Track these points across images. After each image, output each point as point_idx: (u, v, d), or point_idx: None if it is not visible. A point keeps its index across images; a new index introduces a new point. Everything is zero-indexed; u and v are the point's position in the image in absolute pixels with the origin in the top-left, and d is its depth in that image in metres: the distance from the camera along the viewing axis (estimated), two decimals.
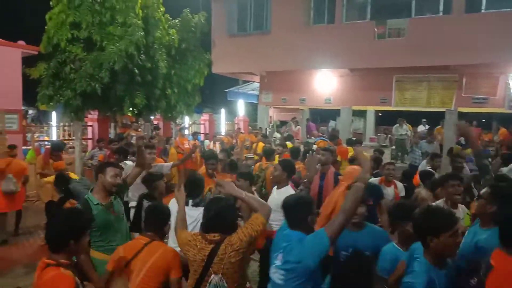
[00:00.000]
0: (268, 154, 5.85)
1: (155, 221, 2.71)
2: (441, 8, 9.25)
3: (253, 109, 18.16)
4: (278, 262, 2.34)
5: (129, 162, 5.13)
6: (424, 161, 6.62)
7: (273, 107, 14.57)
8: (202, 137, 13.36)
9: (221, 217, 2.36)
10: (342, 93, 10.87)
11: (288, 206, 2.47)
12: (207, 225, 2.39)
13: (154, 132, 10.83)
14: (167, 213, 2.79)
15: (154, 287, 2.47)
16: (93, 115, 11.22)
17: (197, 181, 3.55)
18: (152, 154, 4.72)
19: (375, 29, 9.54)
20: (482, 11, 8.83)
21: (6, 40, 8.02)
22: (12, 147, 6.32)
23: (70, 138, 10.97)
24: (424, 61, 9.08)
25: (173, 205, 3.15)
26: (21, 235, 6.05)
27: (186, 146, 9.73)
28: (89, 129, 11.49)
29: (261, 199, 2.66)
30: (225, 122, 17.15)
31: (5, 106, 7.56)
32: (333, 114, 15.29)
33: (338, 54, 9.91)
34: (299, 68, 10.82)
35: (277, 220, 3.53)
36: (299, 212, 2.40)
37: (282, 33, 10.61)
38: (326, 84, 11.03)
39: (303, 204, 2.44)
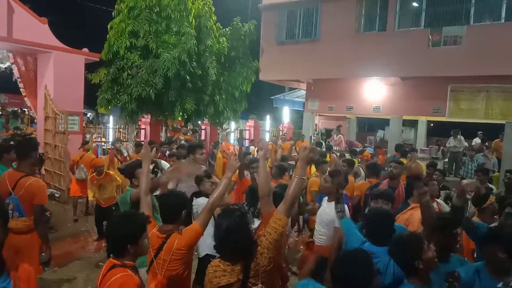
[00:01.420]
0: (315, 163, 5.81)
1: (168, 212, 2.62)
2: (503, 14, 8.75)
3: (298, 116, 18.13)
4: None
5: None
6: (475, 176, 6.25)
7: (319, 115, 14.45)
8: (247, 142, 13.55)
9: (233, 240, 2.13)
10: (393, 102, 10.56)
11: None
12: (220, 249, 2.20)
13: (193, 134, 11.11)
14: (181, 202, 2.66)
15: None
16: (146, 118, 11.80)
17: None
18: (202, 155, 4.85)
19: (430, 37, 9.20)
20: None
21: (71, 47, 8.69)
22: (85, 143, 7.59)
23: (124, 140, 11.60)
24: (482, 70, 8.61)
25: None
26: (80, 228, 6.51)
27: (231, 150, 9.96)
28: (142, 132, 12.08)
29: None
30: (270, 129, 17.24)
31: (68, 108, 8.18)
32: (382, 123, 14.87)
33: (389, 63, 9.66)
34: (348, 76, 10.67)
35: (324, 234, 3.51)
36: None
37: (331, 40, 10.55)
38: (375, 92, 10.78)
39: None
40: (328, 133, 14.27)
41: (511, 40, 8.21)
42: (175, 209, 2.57)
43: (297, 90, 15.34)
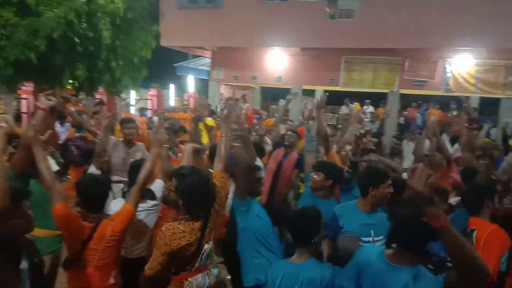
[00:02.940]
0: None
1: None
2: None
3: (203, 85, 17.75)
4: None
5: None
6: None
7: (225, 84, 14.38)
8: (149, 113, 12.86)
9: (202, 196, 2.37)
10: (293, 72, 10.98)
11: None
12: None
13: (99, 107, 10.20)
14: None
15: None
16: (28, 87, 10.30)
17: None
18: (131, 129, 4.49)
19: (327, 9, 9.64)
20: None
21: None
22: None
23: (1, 112, 10.01)
24: (370, 43, 9.40)
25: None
26: None
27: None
28: (23, 102, 10.56)
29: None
30: (174, 98, 16.62)
31: None
32: (284, 93, 15.42)
33: (290, 33, 9.92)
34: (251, 45, 10.70)
35: None
36: None
37: (234, 8, 10.35)
38: (277, 62, 11.05)
39: None
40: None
41: (395, 16, 9.05)
42: (100, 197, 2.41)
43: (201, 58, 14.93)
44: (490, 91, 9.44)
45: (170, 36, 11.24)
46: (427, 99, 15.63)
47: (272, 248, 2.61)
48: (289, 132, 4.78)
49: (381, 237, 2.48)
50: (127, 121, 4.73)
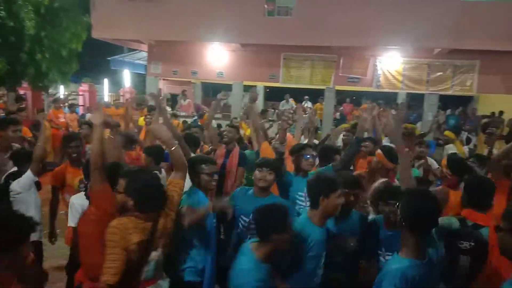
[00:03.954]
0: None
1: None
2: None
3: (140, 80, 17.05)
4: None
5: None
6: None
7: (163, 79, 13.93)
8: (81, 110, 12.06)
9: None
10: (234, 68, 10.95)
11: None
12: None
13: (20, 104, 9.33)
14: None
15: None
16: None
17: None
18: (16, 132, 3.87)
19: (265, 6, 9.73)
20: None
21: None
22: None
23: None
24: (307, 41, 9.67)
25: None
26: None
27: (62, 120, 8.68)
28: None
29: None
30: (109, 94, 15.76)
31: None
32: (225, 88, 15.35)
33: (229, 28, 9.85)
34: (190, 39, 10.47)
35: None
36: None
37: (172, 0, 10.03)
38: (218, 57, 10.95)
39: None
40: (174, 98, 13.95)
41: (331, 13, 9.39)
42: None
43: (137, 51, 14.30)
44: (415, 87, 10.22)
45: (102, 28, 10.58)
46: (360, 95, 16.53)
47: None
48: (227, 128, 4.73)
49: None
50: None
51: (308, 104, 14.21)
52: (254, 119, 4.15)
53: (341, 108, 14.65)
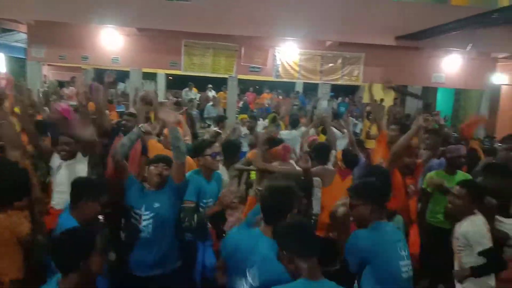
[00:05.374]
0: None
1: None
2: None
3: (20, 65, 14.94)
4: None
5: None
6: (212, 125, 7.17)
7: (48, 65, 12.44)
8: None
9: None
10: (131, 54, 10.27)
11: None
12: None
13: None
14: None
15: None
16: None
17: None
18: None
19: None
20: None
21: None
22: None
23: None
24: (208, 28, 9.54)
25: None
26: None
27: None
28: None
29: None
30: None
31: None
32: (122, 76, 14.39)
33: (123, 11, 9.18)
34: (78, 21, 9.47)
35: None
36: None
37: None
38: (113, 42, 10.12)
39: None
40: (62, 86, 12.56)
41: (232, 2, 9.39)
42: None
43: (15, 32, 12.45)
44: (310, 77, 10.88)
45: None
46: (263, 84, 17.03)
47: None
48: (125, 117, 4.47)
49: None
50: None
51: (212, 93, 14.16)
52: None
53: (245, 97, 14.93)
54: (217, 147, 3.29)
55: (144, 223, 2.87)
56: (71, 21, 9.42)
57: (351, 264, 2.34)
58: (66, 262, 1.76)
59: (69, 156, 3.37)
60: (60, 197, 3.21)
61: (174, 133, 2.83)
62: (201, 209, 3.10)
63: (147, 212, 2.88)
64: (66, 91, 11.07)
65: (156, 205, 2.88)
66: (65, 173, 3.30)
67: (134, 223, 2.89)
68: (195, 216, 2.96)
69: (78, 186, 2.51)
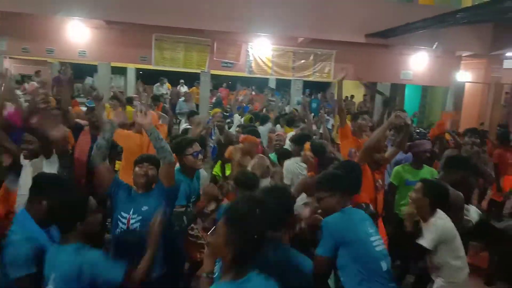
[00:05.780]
0: None
1: None
2: None
3: None
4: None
5: None
6: (183, 120, 7.06)
7: (10, 58, 11.86)
8: None
9: None
10: (99, 47, 9.94)
11: None
12: None
13: None
14: None
15: None
16: None
17: None
18: None
19: None
20: None
21: None
22: None
23: None
24: (180, 23, 9.37)
25: None
26: None
27: None
28: None
29: None
30: None
31: None
32: (90, 70, 13.96)
33: (91, 2, 8.86)
34: (41, 12, 9.06)
35: None
36: None
37: None
38: (79, 35, 9.75)
39: None
40: (24, 80, 12.03)
41: None
42: None
43: None
44: (283, 73, 10.92)
45: None
46: (235, 80, 16.98)
47: None
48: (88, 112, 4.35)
49: None
50: None
51: (184, 88, 13.99)
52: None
53: (219, 93, 14.84)
54: (197, 145, 3.12)
55: (131, 226, 2.77)
56: (35, 11, 9.00)
57: (327, 250, 2.39)
58: (65, 224, 2.16)
59: (31, 155, 3.21)
60: (22, 200, 3.05)
61: (154, 135, 2.68)
62: (188, 209, 3.06)
63: (134, 216, 2.78)
64: (27, 86, 10.62)
65: (145, 208, 2.79)
66: (29, 173, 3.13)
67: (121, 226, 2.80)
68: (184, 218, 2.92)
69: (37, 182, 2.42)
